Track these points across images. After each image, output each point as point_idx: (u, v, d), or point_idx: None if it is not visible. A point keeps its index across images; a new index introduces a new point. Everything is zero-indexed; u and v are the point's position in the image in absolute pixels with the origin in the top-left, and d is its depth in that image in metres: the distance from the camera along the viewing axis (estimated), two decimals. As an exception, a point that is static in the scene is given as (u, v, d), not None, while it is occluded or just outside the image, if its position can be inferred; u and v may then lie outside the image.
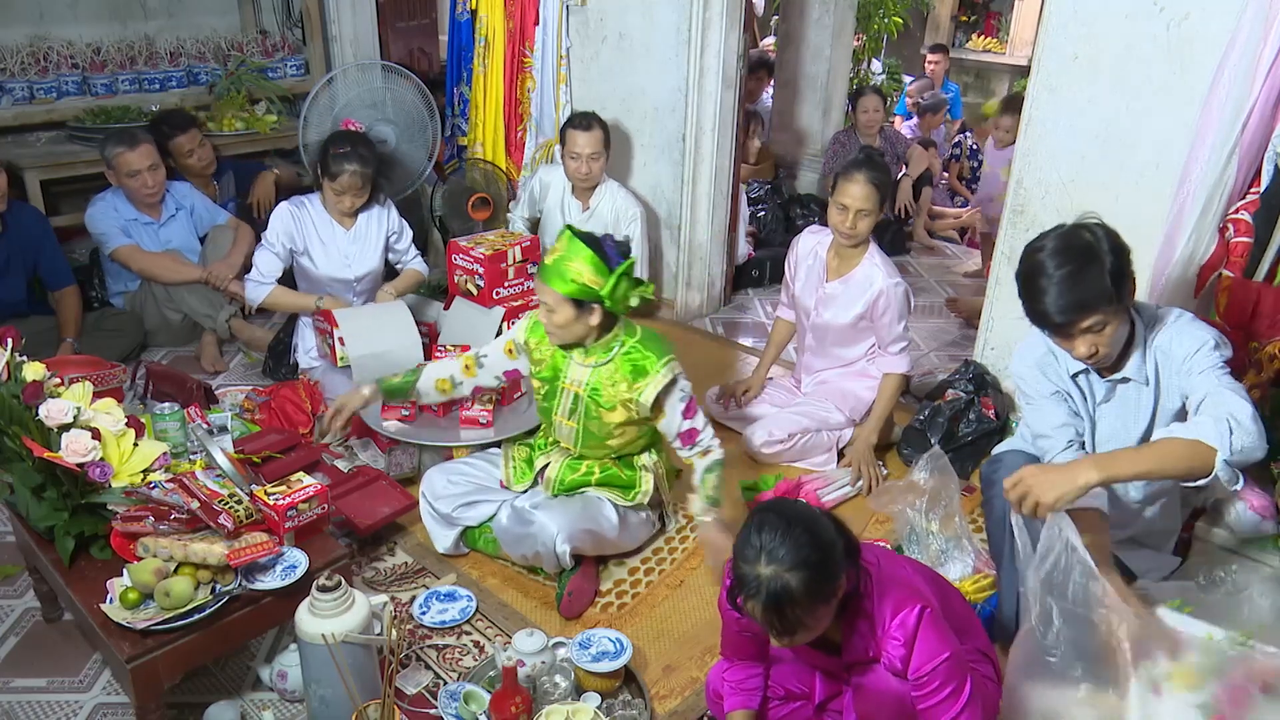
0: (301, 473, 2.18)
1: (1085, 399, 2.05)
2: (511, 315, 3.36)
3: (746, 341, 4.06)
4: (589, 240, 2.24)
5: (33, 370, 1.99)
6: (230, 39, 4.76)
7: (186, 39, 4.66)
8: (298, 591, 1.88)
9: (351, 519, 2.54)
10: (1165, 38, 2.58)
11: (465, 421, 2.82)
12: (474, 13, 4.25)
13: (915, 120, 6.34)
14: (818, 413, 3.08)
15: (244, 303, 3.60)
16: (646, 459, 2.54)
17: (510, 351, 2.52)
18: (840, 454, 3.09)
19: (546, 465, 2.52)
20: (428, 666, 2.21)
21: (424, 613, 2.35)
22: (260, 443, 2.62)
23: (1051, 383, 2.03)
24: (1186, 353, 1.90)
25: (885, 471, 3.04)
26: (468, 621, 2.34)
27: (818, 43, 5.38)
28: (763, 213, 4.90)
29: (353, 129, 3.54)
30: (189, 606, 1.81)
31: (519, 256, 3.38)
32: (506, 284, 3.35)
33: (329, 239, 3.32)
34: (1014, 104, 4.73)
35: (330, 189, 3.22)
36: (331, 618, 1.78)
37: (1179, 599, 1.73)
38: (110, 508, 1.96)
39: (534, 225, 3.95)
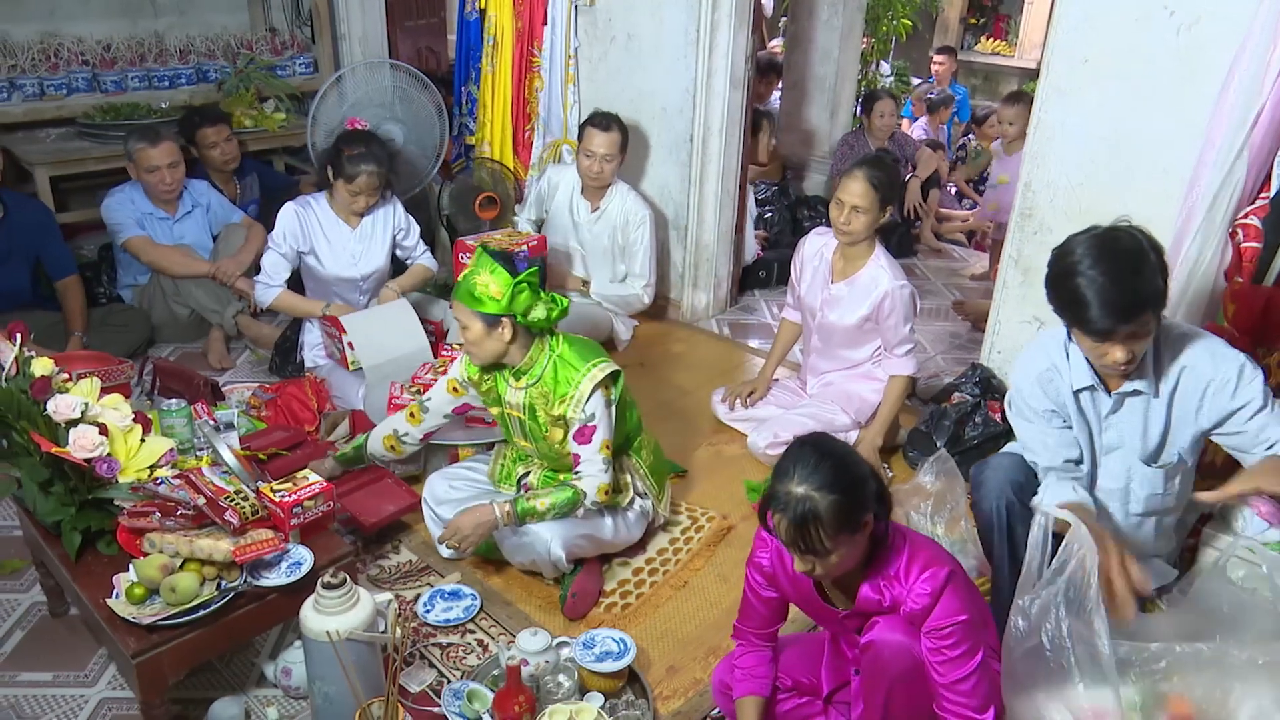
0: (307, 470, 2.19)
1: (1084, 415, 2.03)
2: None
3: (753, 343, 4.06)
4: (497, 255, 2.25)
5: (41, 365, 2.00)
6: (240, 37, 4.78)
7: (196, 36, 4.68)
8: (303, 588, 1.88)
9: (356, 516, 2.54)
10: (1175, 42, 2.57)
11: (471, 420, 2.82)
12: (483, 12, 4.25)
13: (924, 120, 6.33)
14: (823, 414, 3.08)
15: (251, 300, 3.62)
16: (625, 461, 2.53)
17: (455, 390, 2.49)
18: (845, 456, 3.08)
19: (528, 473, 2.54)
20: (431, 665, 2.21)
21: (428, 611, 2.35)
22: (266, 440, 2.63)
23: (1049, 400, 2.02)
24: (1226, 377, 1.88)
25: (891, 474, 3.03)
26: (472, 620, 2.34)
27: (826, 44, 5.37)
28: (770, 214, 4.89)
29: (360, 128, 3.54)
30: (194, 602, 1.82)
31: (527, 255, 3.39)
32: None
33: (335, 238, 3.33)
34: (1016, 98, 4.72)
35: (346, 190, 3.23)
36: (336, 615, 1.78)
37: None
38: (117, 503, 1.96)
39: (539, 227, 3.95)
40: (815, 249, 3.10)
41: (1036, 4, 7.96)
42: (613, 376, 2.34)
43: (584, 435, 2.31)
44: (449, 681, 2.13)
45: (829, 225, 3.01)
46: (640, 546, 2.62)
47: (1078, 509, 1.83)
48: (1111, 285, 1.76)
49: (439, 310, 3.57)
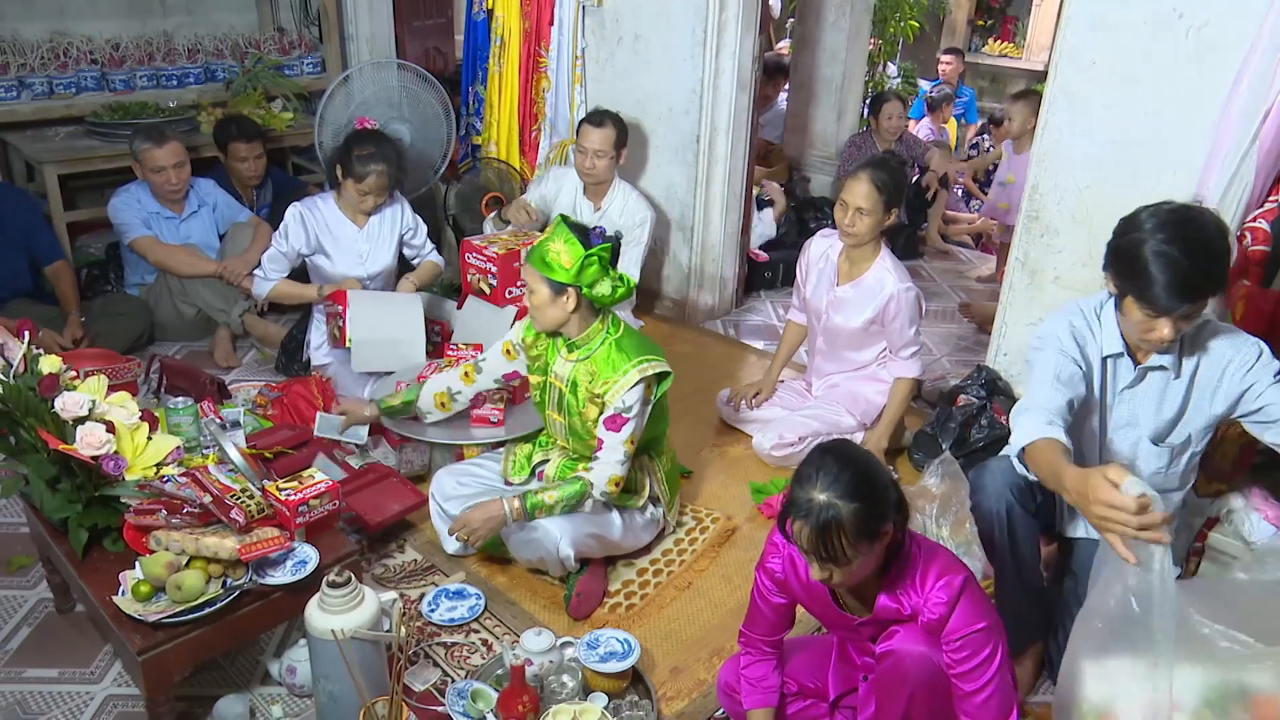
0: (313, 469, 2.19)
1: (1103, 383, 2.02)
2: (524, 314, 3.36)
3: (758, 344, 4.05)
4: (575, 228, 2.30)
5: (49, 363, 2.01)
6: (248, 36, 4.79)
7: (204, 36, 4.69)
8: (308, 587, 1.89)
9: (362, 515, 2.55)
10: (1184, 44, 2.56)
11: (476, 420, 2.82)
12: (490, 12, 4.26)
13: (928, 119, 6.32)
14: (828, 416, 3.07)
15: (258, 299, 3.63)
16: (646, 462, 2.53)
17: (509, 352, 2.55)
18: (851, 458, 3.08)
19: (545, 462, 2.54)
20: (436, 664, 2.21)
21: (433, 610, 2.35)
22: (272, 438, 2.63)
23: (1078, 346, 1.98)
24: (1246, 358, 1.90)
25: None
26: (476, 620, 2.35)
27: (833, 46, 5.36)
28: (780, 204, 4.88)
29: (370, 127, 3.55)
30: (200, 600, 1.82)
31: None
32: (519, 283, 3.36)
33: (342, 237, 3.34)
34: (1023, 95, 4.71)
35: (355, 190, 3.24)
36: (341, 614, 1.78)
37: None
38: (123, 501, 1.97)
39: (541, 228, 3.94)
40: (820, 251, 3.10)
41: (1045, 6, 7.93)
42: (660, 378, 2.37)
43: (614, 423, 2.32)
44: (453, 681, 2.13)
45: (835, 227, 3.01)
46: (645, 547, 2.62)
47: (1052, 445, 1.74)
48: (1186, 263, 1.75)
49: (446, 311, 3.58)
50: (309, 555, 1.97)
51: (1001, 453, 2.24)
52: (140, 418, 2.04)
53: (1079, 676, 1.70)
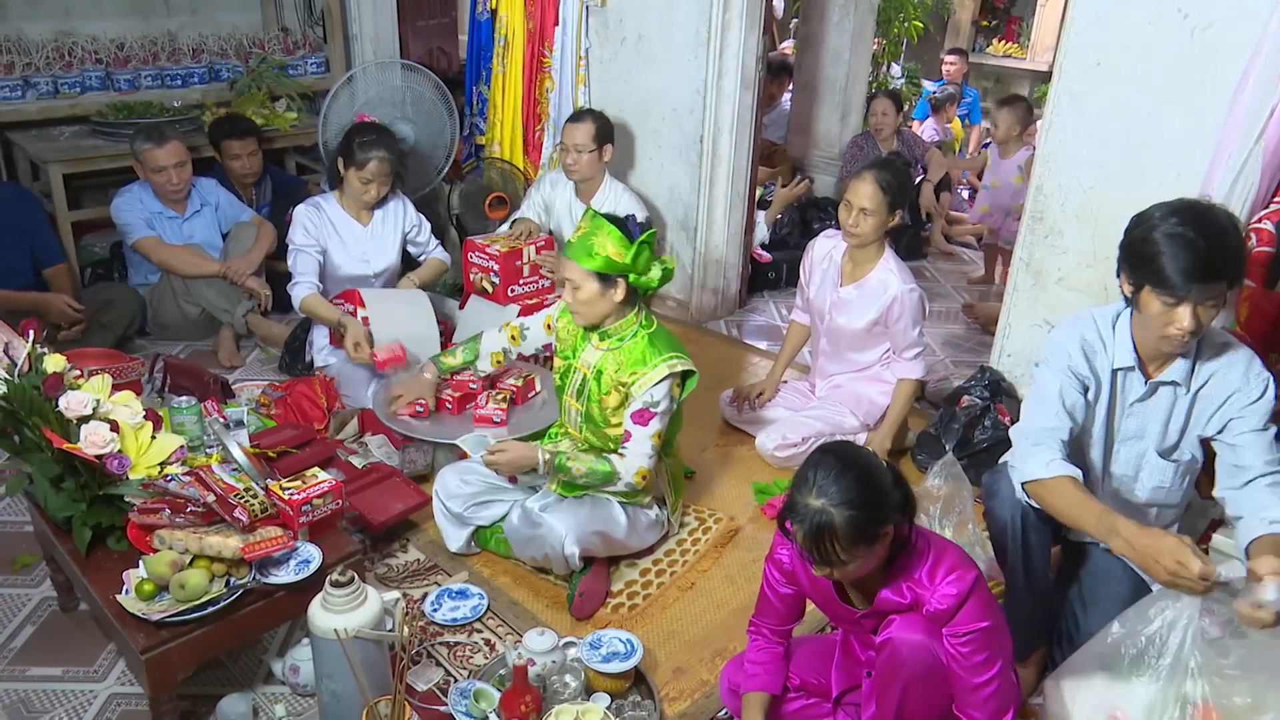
0: (316, 468, 2.19)
1: (1112, 397, 2.01)
2: (526, 313, 3.36)
3: (761, 344, 4.05)
4: (611, 218, 2.31)
5: (53, 362, 2.01)
6: (252, 36, 4.80)
7: (209, 35, 4.70)
8: (311, 586, 1.89)
9: (365, 515, 2.55)
10: (1189, 44, 2.56)
11: (479, 420, 2.82)
12: (494, 12, 4.26)
13: (932, 120, 6.31)
14: (832, 417, 3.07)
15: (261, 299, 3.64)
16: (657, 462, 2.53)
17: (549, 327, 2.59)
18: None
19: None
20: (438, 664, 2.21)
21: (435, 610, 2.35)
22: (276, 437, 2.64)
23: (1086, 361, 1.98)
24: (1251, 393, 1.88)
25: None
26: (479, 619, 2.35)
27: (837, 46, 5.36)
28: (780, 215, 4.88)
29: (370, 121, 3.55)
30: (203, 599, 1.82)
31: (534, 255, 3.39)
32: (521, 281, 3.37)
33: (347, 236, 3.35)
34: (1009, 101, 4.72)
35: (357, 179, 3.25)
36: (344, 613, 1.79)
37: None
38: (127, 499, 1.97)
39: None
40: (824, 252, 3.10)
41: (1049, 6, 7.90)
42: (685, 375, 2.38)
43: (641, 417, 2.33)
44: (456, 680, 2.13)
45: (839, 227, 3.00)
46: (648, 548, 2.62)
47: (1074, 484, 1.82)
48: (1201, 243, 1.74)
49: (449, 310, 3.58)
50: (312, 555, 1.97)
51: (1002, 460, 2.24)
52: (144, 417, 2.04)
53: (1081, 688, 1.73)
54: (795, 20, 6.91)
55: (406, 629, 1.80)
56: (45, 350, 2.05)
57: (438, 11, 5.16)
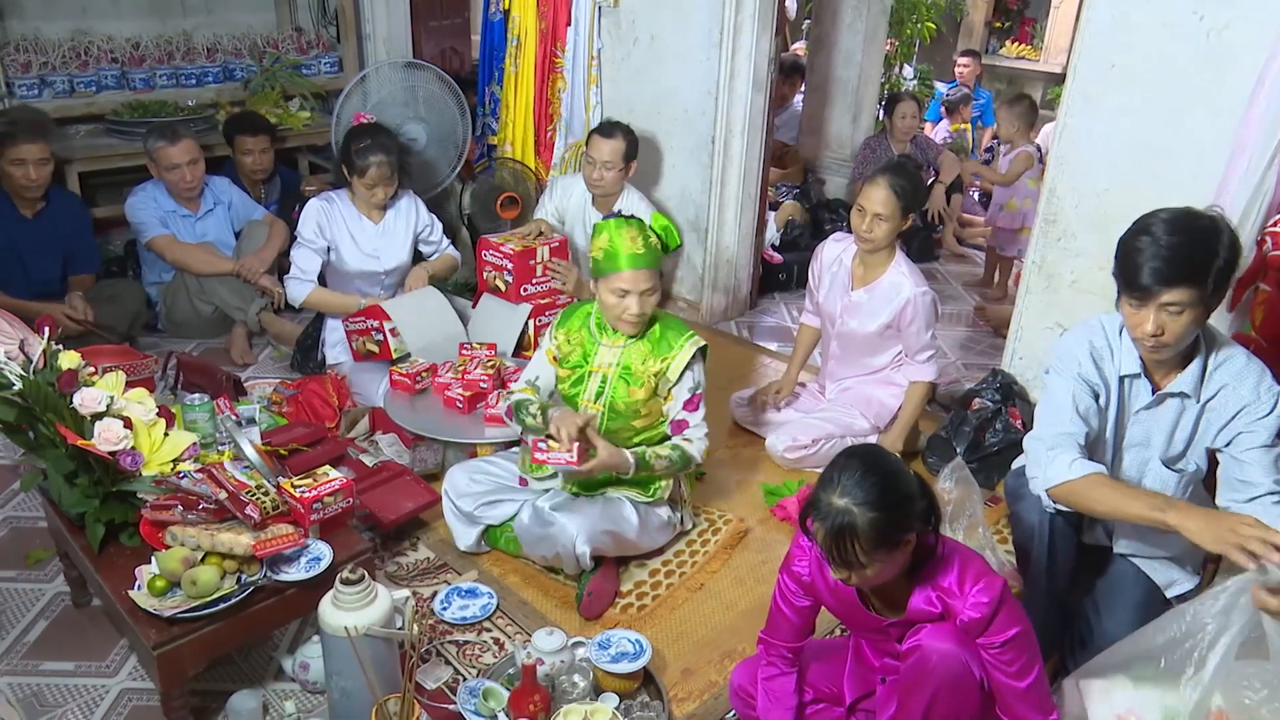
0: (327, 466, 2.20)
1: (1120, 401, 2.00)
2: (538, 313, 3.37)
3: (772, 345, 4.04)
4: (620, 216, 2.38)
5: (68, 359, 2.03)
6: (266, 36, 4.83)
7: (223, 35, 4.73)
8: (321, 584, 1.90)
9: (375, 513, 2.56)
10: (1205, 47, 2.54)
11: (489, 419, 2.83)
12: (507, 13, 4.27)
13: (945, 122, 6.29)
14: (842, 419, 3.06)
15: (274, 297, 3.65)
16: None
17: (554, 359, 2.52)
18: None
19: None
20: (448, 662, 2.22)
21: (445, 608, 2.36)
22: (287, 435, 2.64)
23: (1095, 367, 1.97)
24: (1261, 409, 1.86)
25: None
26: (488, 618, 2.35)
27: (849, 47, 5.35)
28: (791, 217, 4.88)
29: (365, 122, 3.55)
30: (215, 595, 1.83)
31: (547, 255, 3.40)
32: (534, 280, 3.37)
33: (358, 233, 3.36)
34: (1015, 101, 4.70)
35: (361, 185, 3.27)
36: (354, 611, 1.79)
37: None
38: (140, 496, 1.99)
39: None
40: (834, 255, 3.09)
41: (1063, 8, 7.86)
42: (704, 351, 2.44)
43: (693, 404, 2.42)
44: (465, 679, 2.13)
45: (849, 229, 3.00)
46: (657, 549, 2.62)
47: (1105, 479, 1.83)
48: (1167, 247, 1.75)
49: (460, 307, 3.58)
50: (323, 552, 1.98)
51: (1016, 464, 2.22)
52: (157, 414, 2.06)
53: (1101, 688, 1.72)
54: (808, 21, 6.91)
55: (416, 627, 1.81)
56: (60, 347, 2.06)
57: (450, 12, 5.18)
